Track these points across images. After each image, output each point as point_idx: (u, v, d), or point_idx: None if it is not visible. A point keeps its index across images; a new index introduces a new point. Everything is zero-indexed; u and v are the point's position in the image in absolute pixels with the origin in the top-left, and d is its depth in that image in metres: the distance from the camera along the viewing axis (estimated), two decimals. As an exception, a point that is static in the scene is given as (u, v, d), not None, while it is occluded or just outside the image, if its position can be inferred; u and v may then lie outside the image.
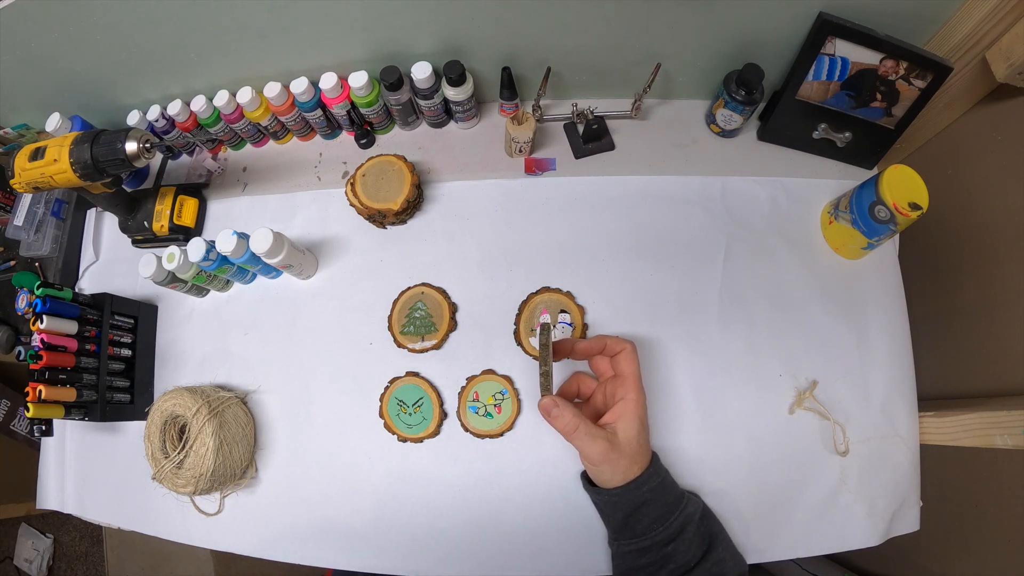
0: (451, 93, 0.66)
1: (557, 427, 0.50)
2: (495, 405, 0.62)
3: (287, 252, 0.61)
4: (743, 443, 0.61)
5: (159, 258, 0.63)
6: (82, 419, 0.62)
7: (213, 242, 0.61)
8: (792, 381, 0.62)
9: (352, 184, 0.65)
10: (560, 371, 0.61)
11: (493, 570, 0.60)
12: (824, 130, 0.67)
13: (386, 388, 0.64)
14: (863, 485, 0.60)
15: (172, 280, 0.65)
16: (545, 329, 0.52)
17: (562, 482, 0.60)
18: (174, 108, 0.69)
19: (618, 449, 0.50)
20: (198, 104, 0.69)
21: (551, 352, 0.51)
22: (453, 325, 0.65)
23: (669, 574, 0.50)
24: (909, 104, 0.63)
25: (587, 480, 0.56)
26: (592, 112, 0.68)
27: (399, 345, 0.64)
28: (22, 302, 0.76)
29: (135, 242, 0.74)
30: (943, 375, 0.69)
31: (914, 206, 0.56)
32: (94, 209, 0.78)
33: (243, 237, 0.61)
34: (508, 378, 0.62)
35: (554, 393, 0.51)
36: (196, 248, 0.61)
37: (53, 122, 0.68)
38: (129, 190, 0.70)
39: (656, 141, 0.71)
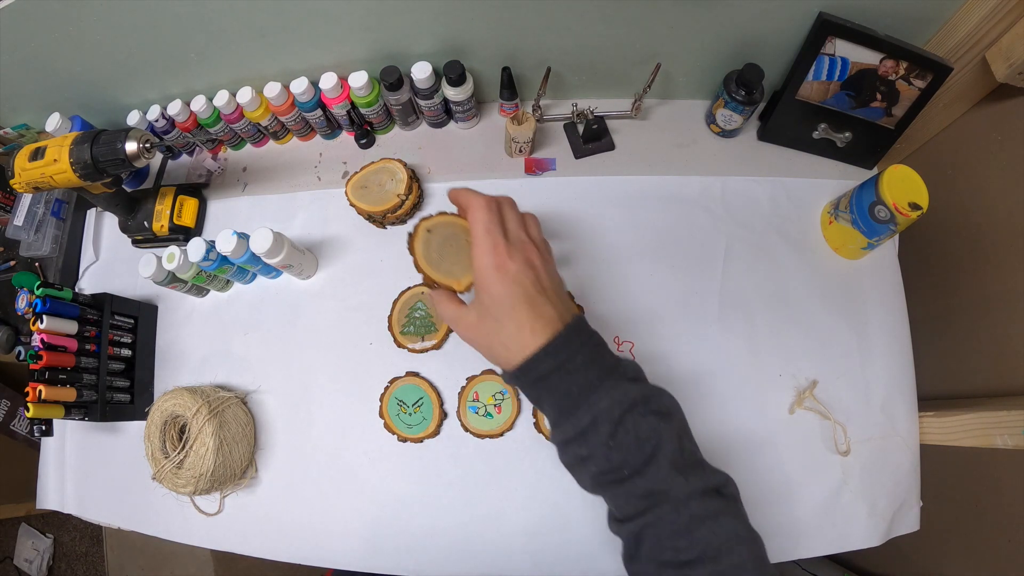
0: (451, 93, 0.66)
1: (438, 308, 0.45)
2: (495, 405, 0.62)
3: (287, 252, 0.61)
4: (743, 443, 0.61)
5: (159, 258, 0.63)
6: (82, 419, 0.62)
7: (213, 242, 0.61)
8: (792, 381, 0.62)
9: (412, 237, 0.55)
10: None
11: (493, 570, 0.60)
12: (824, 130, 0.67)
13: (386, 388, 0.64)
14: (864, 485, 0.60)
15: (172, 280, 0.65)
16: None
17: (562, 482, 0.60)
18: (174, 108, 0.69)
19: (481, 313, 0.41)
20: (198, 104, 0.69)
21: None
22: (453, 325, 0.65)
23: (595, 478, 0.41)
24: (909, 104, 0.63)
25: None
26: (592, 112, 0.68)
27: (399, 345, 0.64)
28: (22, 302, 0.76)
29: (135, 242, 0.74)
30: (943, 375, 0.69)
31: (914, 206, 0.56)
32: (94, 209, 0.78)
33: (243, 237, 0.61)
34: (508, 378, 0.62)
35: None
36: (196, 248, 0.61)
37: (53, 122, 0.68)
38: (129, 190, 0.70)
39: (656, 141, 0.71)
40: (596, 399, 0.39)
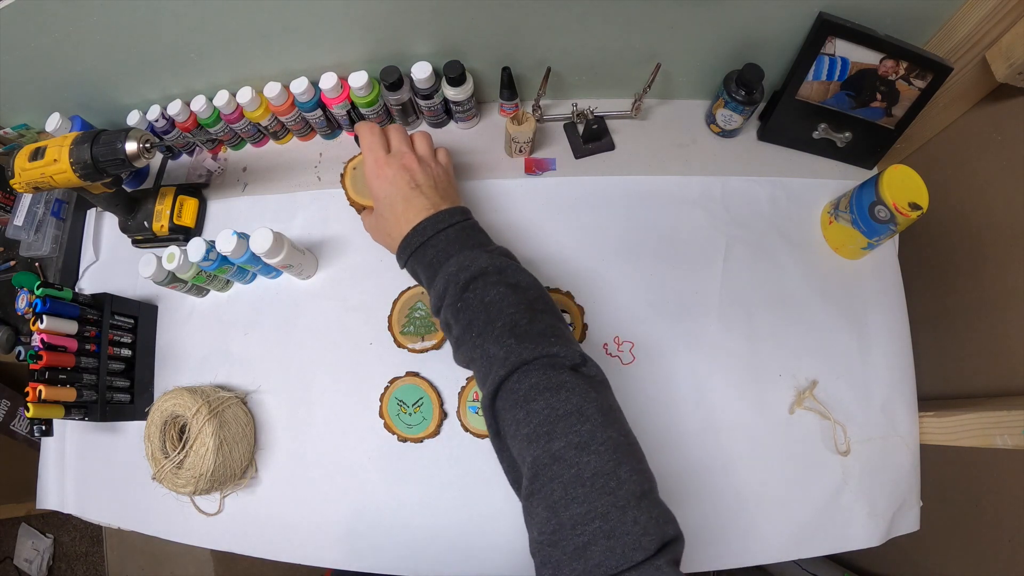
0: (451, 93, 0.66)
1: (363, 224, 0.57)
2: (495, 405, 0.62)
3: (287, 252, 0.61)
4: (743, 443, 0.61)
5: (159, 258, 0.63)
6: (82, 419, 0.62)
7: (213, 242, 0.61)
8: (792, 381, 0.62)
9: (343, 176, 0.65)
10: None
11: (492, 570, 0.60)
12: (824, 130, 0.67)
13: (386, 388, 0.64)
14: (864, 485, 0.60)
15: (172, 280, 0.65)
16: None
17: (562, 482, 0.60)
18: (174, 108, 0.69)
19: (375, 214, 0.52)
20: (198, 104, 0.69)
21: None
22: (453, 325, 0.65)
23: (456, 344, 0.44)
24: (909, 104, 0.63)
25: None
26: (592, 112, 0.68)
27: (399, 345, 0.64)
28: (22, 302, 0.76)
29: (135, 242, 0.74)
30: (943, 375, 0.69)
31: (914, 206, 0.56)
32: (94, 209, 0.78)
33: (243, 237, 0.61)
34: (508, 378, 0.62)
35: None
36: (196, 248, 0.61)
37: (53, 122, 0.68)
38: (129, 190, 0.70)
39: (656, 141, 0.71)
40: (448, 265, 0.44)
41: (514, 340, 0.38)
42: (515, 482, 0.40)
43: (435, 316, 0.47)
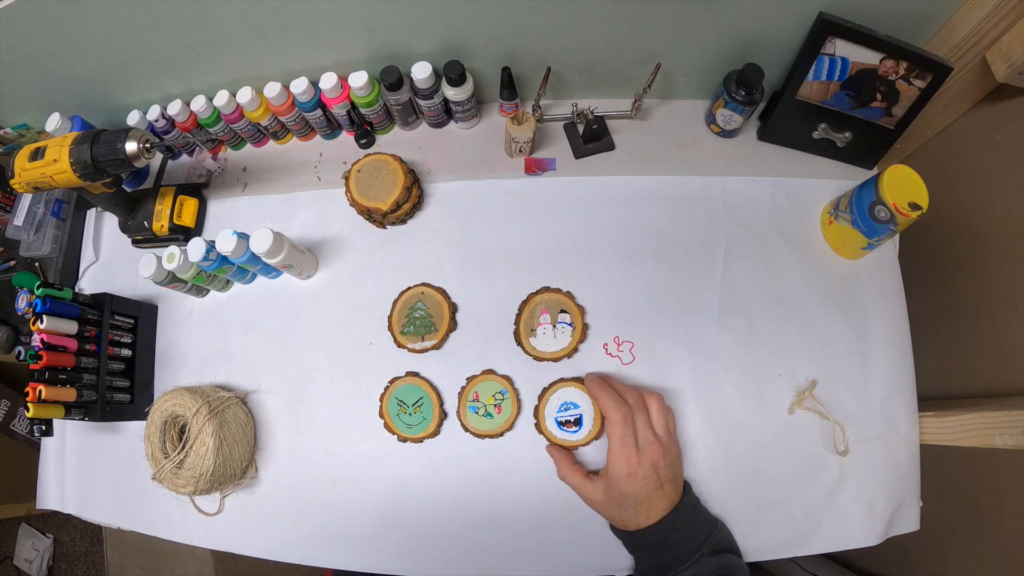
0: (451, 93, 0.66)
1: (562, 473, 0.58)
2: (495, 405, 0.62)
3: (287, 252, 0.61)
4: (743, 443, 0.61)
5: (159, 258, 0.63)
6: (82, 419, 0.62)
7: (213, 242, 0.61)
8: (792, 381, 0.62)
9: (347, 178, 0.66)
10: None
11: (493, 570, 0.60)
12: (824, 130, 0.67)
13: (386, 388, 0.64)
14: (862, 485, 0.60)
15: (172, 280, 0.65)
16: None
17: (561, 482, 0.60)
18: (174, 108, 0.69)
19: (607, 496, 0.54)
20: (198, 104, 0.69)
21: None
22: (453, 325, 0.65)
23: None
24: (909, 104, 0.63)
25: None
26: (592, 112, 0.68)
27: (399, 345, 0.64)
28: (22, 302, 0.76)
29: (135, 242, 0.74)
30: (943, 375, 0.69)
31: (914, 206, 0.56)
32: (94, 209, 0.78)
33: (243, 237, 0.61)
34: (508, 378, 0.62)
35: None
36: (196, 248, 0.61)
37: (53, 122, 0.68)
38: (129, 190, 0.70)
39: (656, 141, 0.71)
40: (681, 572, 0.51)
41: None
42: None
43: None
